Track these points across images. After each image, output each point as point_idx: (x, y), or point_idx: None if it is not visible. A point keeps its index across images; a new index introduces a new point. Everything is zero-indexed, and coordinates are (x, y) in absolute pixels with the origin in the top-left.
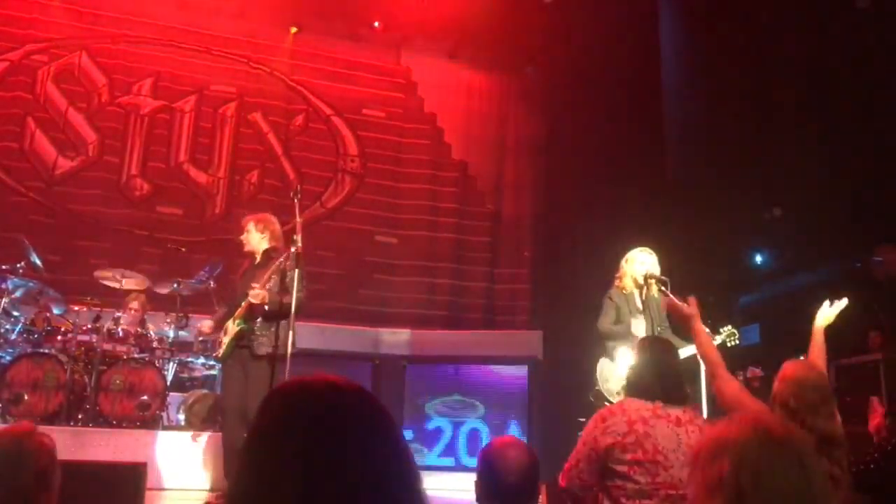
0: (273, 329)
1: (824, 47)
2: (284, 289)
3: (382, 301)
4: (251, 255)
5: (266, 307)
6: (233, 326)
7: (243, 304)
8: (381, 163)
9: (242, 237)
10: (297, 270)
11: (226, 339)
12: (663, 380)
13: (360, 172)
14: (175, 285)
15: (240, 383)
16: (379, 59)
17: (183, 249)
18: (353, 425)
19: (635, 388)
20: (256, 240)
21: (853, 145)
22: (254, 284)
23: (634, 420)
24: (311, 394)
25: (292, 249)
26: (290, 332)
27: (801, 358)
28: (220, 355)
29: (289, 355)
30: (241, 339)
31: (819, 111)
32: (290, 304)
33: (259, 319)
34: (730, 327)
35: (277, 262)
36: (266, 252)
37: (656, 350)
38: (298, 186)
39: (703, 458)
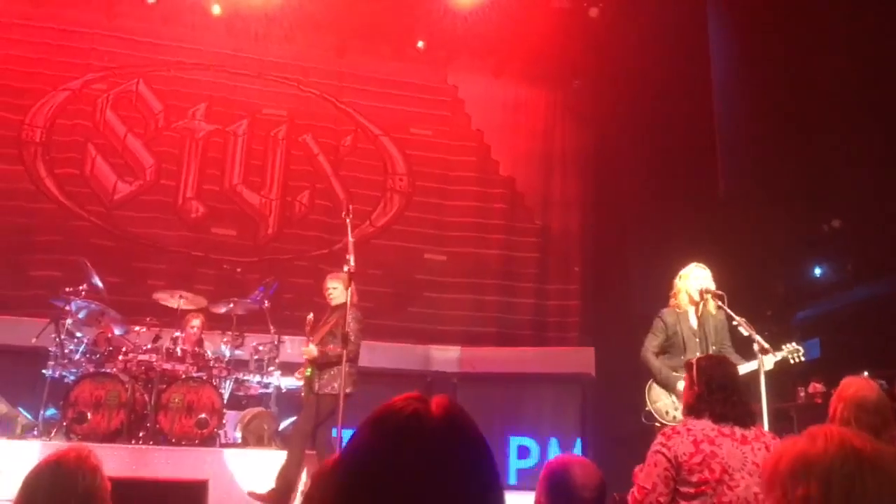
0: (333, 372)
1: (878, 53)
2: (340, 340)
3: (432, 318)
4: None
5: (317, 359)
6: (306, 372)
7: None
8: (429, 181)
9: (329, 292)
10: (348, 320)
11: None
12: (721, 399)
13: (409, 191)
14: (230, 305)
15: (311, 412)
16: (425, 79)
17: (238, 270)
18: (460, 456)
19: (693, 410)
20: (344, 295)
21: None
22: (310, 340)
23: (700, 440)
24: (426, 419)
25: (345, 269)
26: (341, 378)
27: (865, 374)
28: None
29: (341, 395)
30: (309, 381)
31: (876, 119)
32: (337, 355)
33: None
34: (793, 344)
35: (337, 320)
36: (337, 307)
37: (710, 369)
38: (350, 207)
39: (786, 477)
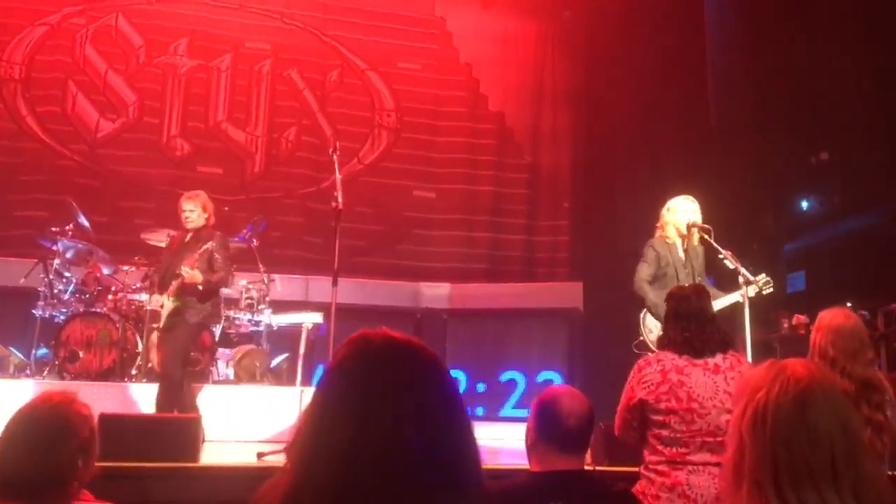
0: (203, 302)
1: None
2: (212, 270)
3: (422, 255)
4: (184, 230)
5: (200, 287)
6: (169, 303)
7: (176, 282)
8: (417, 116)
9: (186, 215)
10: (215, 246)
11: (164, 313)
12: (687, 330)
13: (397, 127)
14: None
15: (173, 348)
16: (412, 10)
17: (226, 209)
18: (404, 367)
19: (663, 341)
20: (202, 218)
21: None
22: (184, 265)
23: (668, 370)
24: (371, 341)
25: (332, 205)
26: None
27: (849, 305)
28: (160, 326)
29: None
30: (176, 313)
31: (867, 52)
32: (216, 284)
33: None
34: (764, 275)
35: (208, 246)
36: (197, 231)
37: (681, 299)
38: (337, 144)
39: (736, 397)
